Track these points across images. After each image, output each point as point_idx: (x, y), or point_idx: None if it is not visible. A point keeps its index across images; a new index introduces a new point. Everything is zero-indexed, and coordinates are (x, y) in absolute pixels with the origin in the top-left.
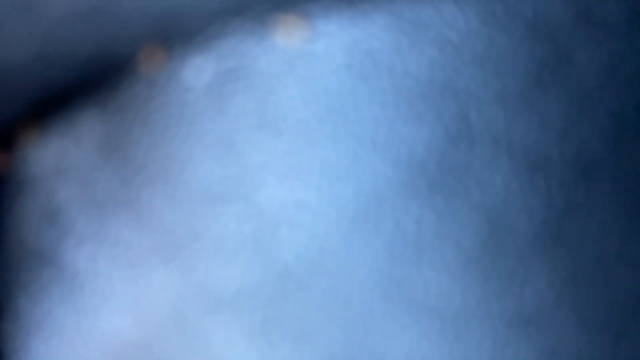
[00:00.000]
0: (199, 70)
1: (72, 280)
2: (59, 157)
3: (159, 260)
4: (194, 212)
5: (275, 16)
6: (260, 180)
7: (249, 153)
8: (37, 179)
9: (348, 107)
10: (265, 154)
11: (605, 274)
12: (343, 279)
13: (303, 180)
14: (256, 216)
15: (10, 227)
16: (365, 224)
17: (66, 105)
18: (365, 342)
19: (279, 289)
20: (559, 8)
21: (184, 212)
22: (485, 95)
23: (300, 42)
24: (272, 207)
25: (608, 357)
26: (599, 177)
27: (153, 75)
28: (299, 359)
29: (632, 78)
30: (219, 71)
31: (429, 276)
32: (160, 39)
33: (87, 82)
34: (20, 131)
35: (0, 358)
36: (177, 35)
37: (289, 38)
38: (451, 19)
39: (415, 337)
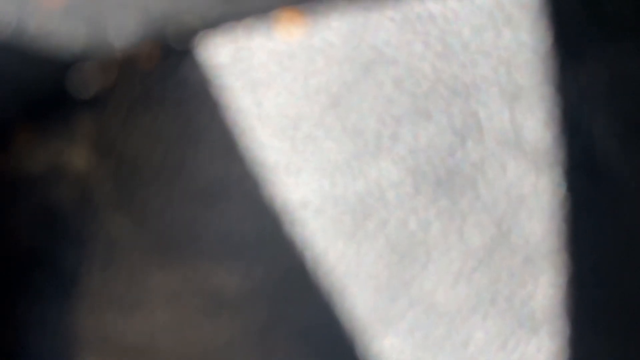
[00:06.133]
0: (196, 66)
1: (67, 280)
2: (54, 157)
3: (157, 261)
4: (193, 212)
5: (275, 10)
6: (262, 178)
7: (250, 150)
8: (32, 179)
9: (351, 102)
10: (265, 152)
11: (615, 275)
12: (347, 279)
13: (305, 179)
14: (258, 215)
15: (6, 227)
16: (370, 224)
17: (61, 106)
18: (370, 343)
19: (281, 290)
20: (567, 2)
21: (183, 212)
22: (493, 91)
23: (300, 35)
24: (274, 206)
25: (618, 358)
26: (609, 176)
27: (149, 72)
28: None
29: None
30: (217, 66)
31: (436, 277)
32: (156, 35)
33: (81, 80)
34: (15, 132)
35: None
36: (174, 31)
37: (289, 32)
38: (458, 12)
39: (422, 338)
